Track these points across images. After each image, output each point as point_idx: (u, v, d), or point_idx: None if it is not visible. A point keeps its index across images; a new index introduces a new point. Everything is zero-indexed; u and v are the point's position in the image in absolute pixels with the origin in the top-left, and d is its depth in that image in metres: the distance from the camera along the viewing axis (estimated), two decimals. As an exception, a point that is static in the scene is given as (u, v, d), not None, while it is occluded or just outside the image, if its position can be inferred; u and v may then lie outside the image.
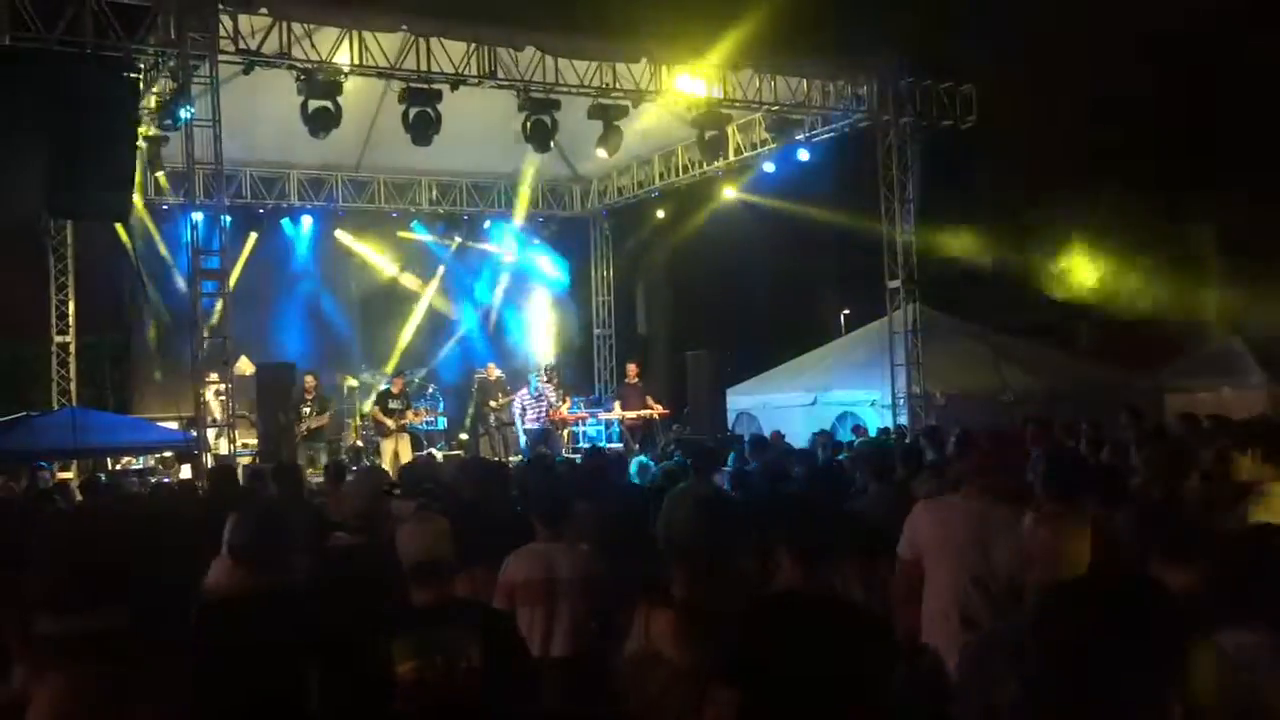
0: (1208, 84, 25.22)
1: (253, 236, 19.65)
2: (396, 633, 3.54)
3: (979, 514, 4.49)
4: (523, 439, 17.30)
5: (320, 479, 11.66)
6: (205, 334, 13.21)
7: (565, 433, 18.73)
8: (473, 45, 14.25)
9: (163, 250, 18.65)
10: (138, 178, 14.50)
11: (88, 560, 2.01)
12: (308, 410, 15.96)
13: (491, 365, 19.21)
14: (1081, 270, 26.97)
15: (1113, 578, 2.67)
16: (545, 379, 18.09)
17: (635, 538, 6.12)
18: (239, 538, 4.03)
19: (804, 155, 17.64)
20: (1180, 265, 26.66)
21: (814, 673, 3.09)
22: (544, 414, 17.51)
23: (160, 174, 16.70)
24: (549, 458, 11.62)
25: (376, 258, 21.21)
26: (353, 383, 19.08)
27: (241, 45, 13.09)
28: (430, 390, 19.10)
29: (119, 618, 1.95)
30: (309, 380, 16.35)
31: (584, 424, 19.63)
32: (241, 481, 9.64)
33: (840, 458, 10.88)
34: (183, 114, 13.15)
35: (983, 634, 3.34)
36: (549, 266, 22.92)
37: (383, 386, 17.55)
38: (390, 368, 19.65)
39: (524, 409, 17.48)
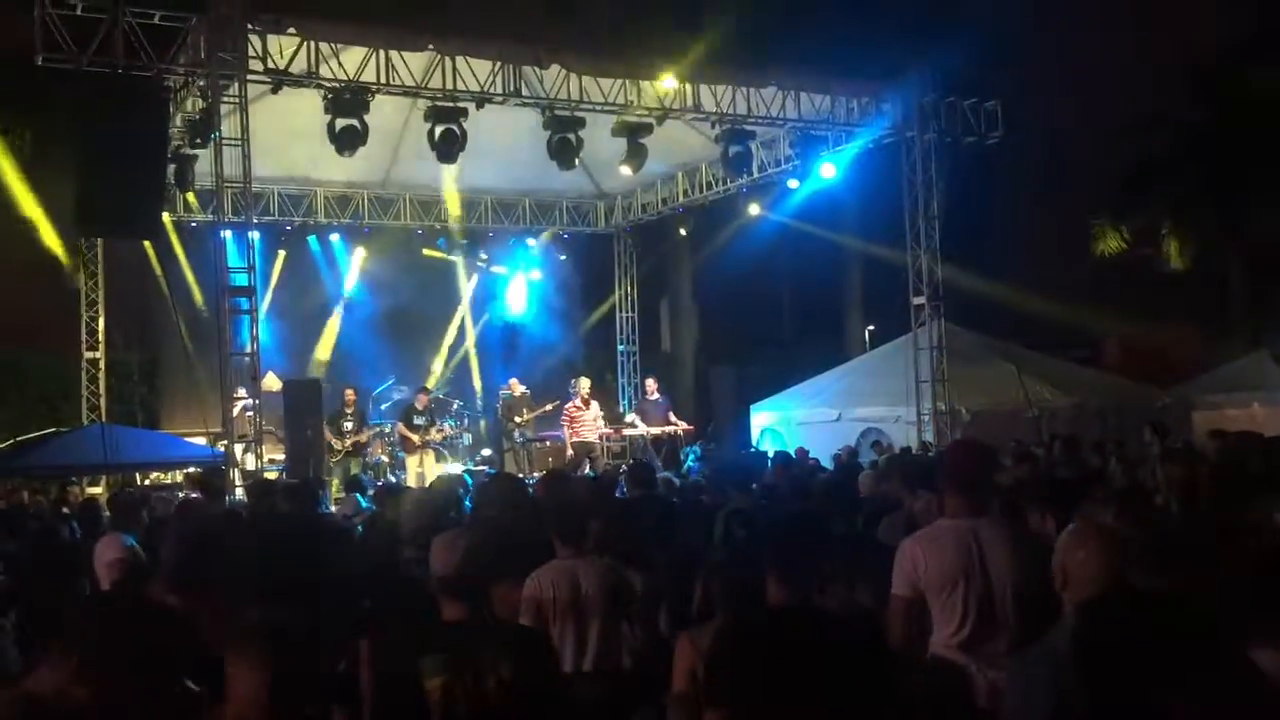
0: (1238, 102, 25.08)
1: (280, 254, 19.84)
2: (425, 649, 3.56)
3: (969, 532, 4.40)
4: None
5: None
6: (233, 350, 13.33)
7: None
8: (498, 64, 14.37)
9: (190, 267, 18.82)
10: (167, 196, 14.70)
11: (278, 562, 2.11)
12: (349, 426, 16.03)
13: (515, 381, 19.24)
14: (1108, 284, 26.84)
15: (1141, 596, 2.69)
16: (588, 391, 17.93)
17: (664, 551, 6.15)
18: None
19: (828, 172, 17.62)
20: (1208, 280, 26.51)
21: (800, 689, 3.09)
22: (596, 425, 17.35)
23: (189, 192, 16.84)
24: (565, 474, 11.52)
25: (401, 274, 21.29)
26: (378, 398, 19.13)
27: (270, 65, 13.26)
28: (455, 406, 19.13)
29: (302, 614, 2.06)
30: (349, 395, 16.44)
31: (608, 440, 19.57)
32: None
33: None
34: (212, 133, 13.29)
35: (1024, 653, 3.34)
36: (573, 283, 23.00)
37: (407, 403, 17.56)
38: (422, 383, 19.60)
39: (571, 419, 17.35)
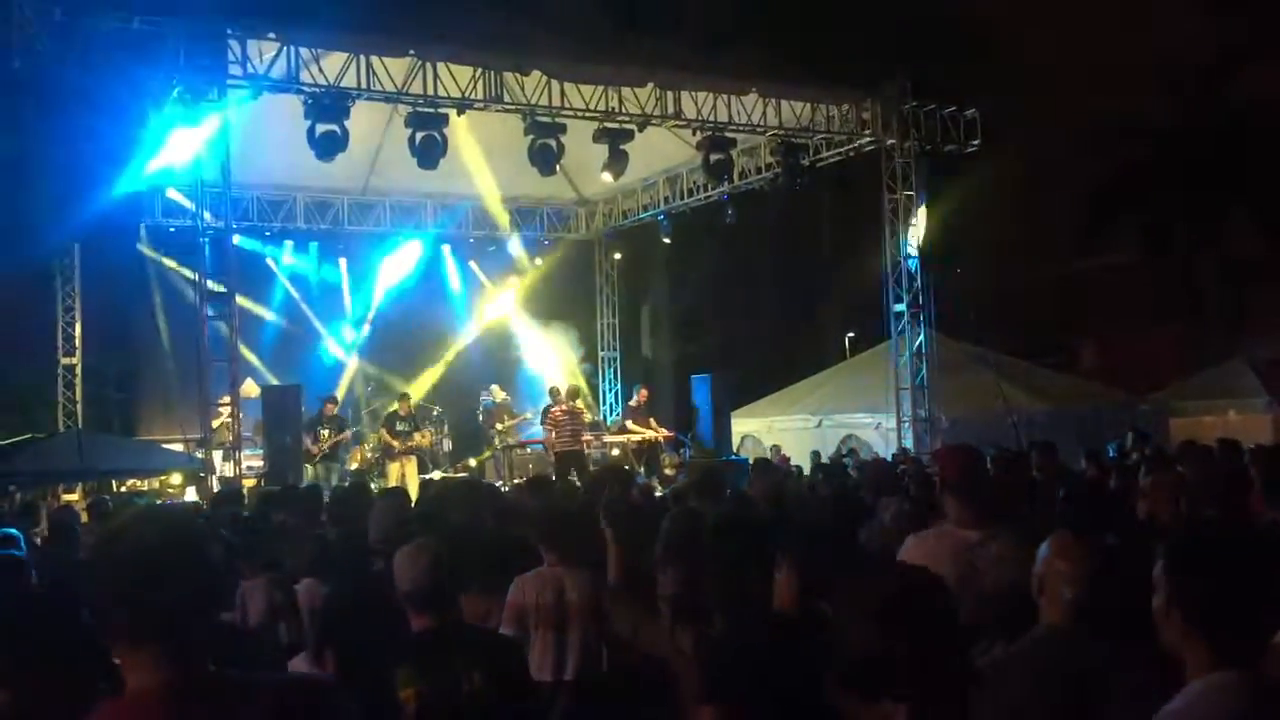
0: (1216, 109, 25.31)
1: (263, 260, 19.80)
2: (397, 659, 3.57)
3: (970, 544, 4.30)
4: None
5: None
6: (212, 357, 13.27)
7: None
8: (479, 70, 14.36)
9: (169, 274, 18.70)
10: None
11: None
12: (326, 432, 15.92)
13: (496, 387, 19.17)
14: (1085, 290, 27.00)
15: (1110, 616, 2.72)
16: (572, 398, 17.68)
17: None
18: None
19: (808, 178, 17.64)
20: (1185, 287, 26.70)
21: (793, 692, 3.10)
22: (578, 433, 17.01)
23: (169, 197, 16.75)
24: (548, 479, 11.41)
25: (382, 280, 21.20)
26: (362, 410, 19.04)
27: (250, 70, 13.21)
28: (436, 412, 19.04)
29: None
30: (329, 407, 16.35)
31: (589, 447, 19.44)
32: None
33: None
34: (191, 138, 13.23)
35: (995, 658, 3.34)
36: (553, 289, 22.89)
37: (389, 410, 17.46)
38: (403, 389, 19.36)
39: (556, 422, 16.89)
